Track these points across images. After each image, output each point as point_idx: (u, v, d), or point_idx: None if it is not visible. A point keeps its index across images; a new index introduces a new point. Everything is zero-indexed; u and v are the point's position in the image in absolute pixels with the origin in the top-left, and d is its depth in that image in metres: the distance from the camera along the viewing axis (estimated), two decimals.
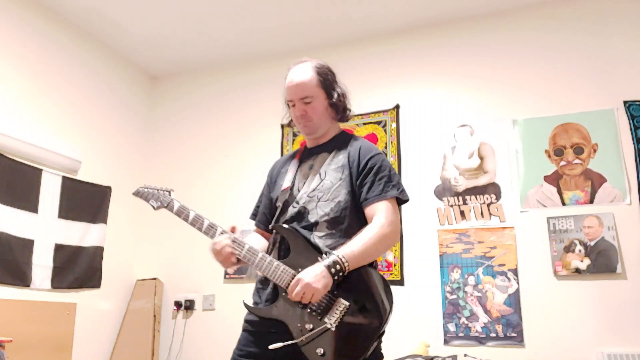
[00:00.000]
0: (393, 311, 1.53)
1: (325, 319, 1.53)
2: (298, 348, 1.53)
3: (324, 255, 1.57)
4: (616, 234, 3.13)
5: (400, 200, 1.70)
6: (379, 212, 1.63)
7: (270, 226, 1.79)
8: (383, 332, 1.53)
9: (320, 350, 1.50)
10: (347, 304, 1.53)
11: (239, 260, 1.67)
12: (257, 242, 1.81)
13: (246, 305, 1.69)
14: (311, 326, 1.53)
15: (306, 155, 1.85)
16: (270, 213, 1.84)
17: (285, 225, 1.70)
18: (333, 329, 1.51)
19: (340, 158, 1.76)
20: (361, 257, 1.55)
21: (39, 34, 3.67)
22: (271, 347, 1.53)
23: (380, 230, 1.59)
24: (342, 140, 1.82)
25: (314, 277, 1.50)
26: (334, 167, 1.75)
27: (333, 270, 1.51)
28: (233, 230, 1.73)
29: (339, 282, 1.54)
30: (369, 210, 1.65)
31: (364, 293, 1.55)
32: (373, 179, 1.68)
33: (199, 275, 4.05)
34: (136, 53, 4.36)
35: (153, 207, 1.79)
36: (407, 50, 3.95)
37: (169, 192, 1.79)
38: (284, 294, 1.59)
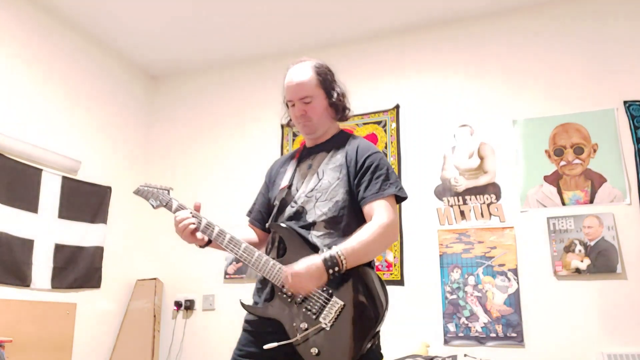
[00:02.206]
0: (388, 310, 1.52)
1: (320, 319, 1.52)
2: (294, 348, 1.53)
3: (323, 249, 1.57)
4: (616, 234, 3.13)
5: (399, 197, 1.70)
6: (377, 211, 1.62)
7: (267, 225, 1.79)
8: (378, 332, 1.53)
9: (314, 350, 1.50)
10: (342, 303, 1.53)
11: (209, 242, 1.70)
12: (244, 235, 1.80)
13: (242, 304, 1.69)
14: (306, 325, 1.53)
15: (305, 155, 1.85)
16: (267, 212, 1.84)
17: (283, 224, 1.69)
18: (328, 329, 1.51)
19: (338, 157, 1.75)
20: (359, 254, 1.54)
21: (39, 34, 3.67)
22: (266, 346, 1.53)
23: (379, 229, 1.58)
24: (340, 140, 1.82)
25: (306, 269, 1.50)
26: (331, 167, 1.74)
27: (330, 264, 1.50)
28: (198, 207, 1.73)
29: (333, 278, 1.53)
30: (367, 209, 1.65)
31: (360, 292, 1.54)
32: (370, 178, 1.67)
33: (199, 275, 4.06)
34: (136, 53, 4.36)
35: (152, 206, 1.80)
36: (407, 50, 3.95)
37: (168, 191, 1.79)
38: (280, 293, 1.60)
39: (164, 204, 1.77)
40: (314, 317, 1.53)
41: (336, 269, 1.51)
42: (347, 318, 1.51)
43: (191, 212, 1.70)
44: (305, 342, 1.52)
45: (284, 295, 1.58)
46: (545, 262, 3.24)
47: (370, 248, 1.57)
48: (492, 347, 3.21)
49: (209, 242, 1.72)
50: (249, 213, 1.95)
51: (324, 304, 1.54)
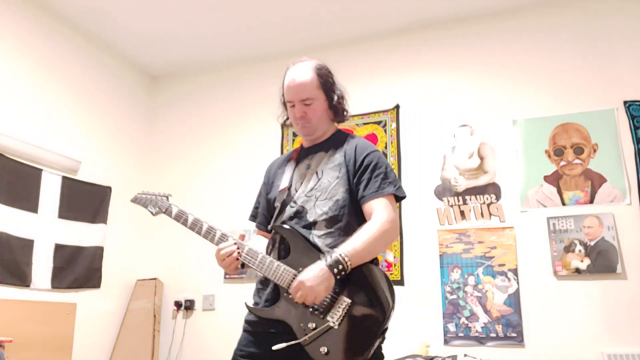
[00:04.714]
0: (395, 307, 1.52)
1: (328, 318, 1.52)
2: (300, 348, 1.53)
3: (325, 254, 1.56)
4: (616, 234, 3.14)
5: (398, 197, 1.70)
6: (377, 209, 1.62)
7: (269, 226, 1.78)
8: (386, 329, 1.53)
9: (324, 349, 1.50)
10: (349, 301, 1.53)
11: (243, 266, 1.68)
12: (261, 244, 1.80)
13: (248, 307, 1.69)
14: (314, 325, 1.53)
15: (303, 155, 1.85)
16: (269, 214, 1.84)
17: (285, 225, 1.69)
18: (336, 327, 1.51)
19: (337, 157, 1.75)
20: (363, 254, 1.55)
21: (39, 34, 3.67)
22: (274, 347, 1.53)
23: (380, 227, 1.58)
24: (338, 139, 1.82)
25: (314, 278, 1.49)
26: (330, 166, 1.74)
27: (335, 270, 1.50)
28: (242, 238, 1.72)
29: (341, 279, 1.53)
30: (367, 208, 1.65)
31: (367, 290, 1.55)
32: (370, 176, 1.67)
33: (199, 275, 4.05)
34: (136, 53, 4.36)
35: (151, 213, 1.80)
36: (407, 50, 3.95)
37: (167, 197, 1.80)
38: (285, 294, 1.59)
39: (164, 210, 1.78)
40: (321, 316, 1.53)
41: (342, 272, 1.51)
42: (354, 316, 1.51)
43: (235, 242, 1.67)
44: (314, 342, 1.52)
45: (290, 296, 1.58)
46: (545, 262, 3.25)
47: (373, 247, 1.57)
48: (492, 347, 3.22)
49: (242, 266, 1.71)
50: (253, 217, 1.93)
51: (331, 302, 1.54)
